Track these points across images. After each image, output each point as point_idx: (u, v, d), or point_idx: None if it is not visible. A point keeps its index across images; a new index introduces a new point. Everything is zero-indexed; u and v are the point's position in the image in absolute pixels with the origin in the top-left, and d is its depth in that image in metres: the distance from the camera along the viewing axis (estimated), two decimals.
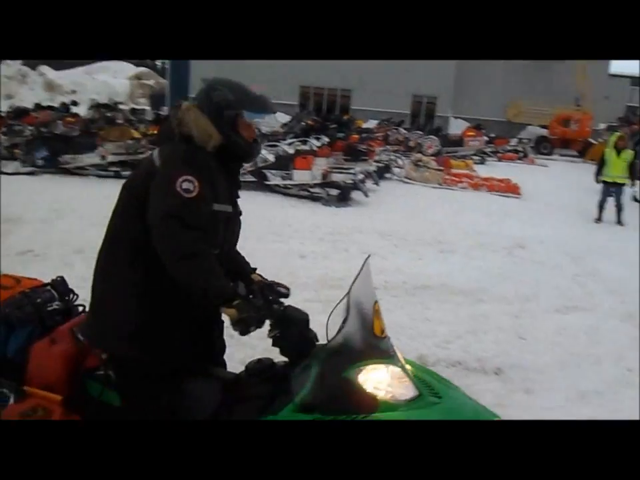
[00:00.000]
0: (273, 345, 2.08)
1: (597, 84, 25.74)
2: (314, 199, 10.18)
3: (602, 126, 24.68)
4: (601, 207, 10.75)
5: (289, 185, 10.59)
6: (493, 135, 22.09)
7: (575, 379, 4.36)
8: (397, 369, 2.00)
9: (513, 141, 22.15)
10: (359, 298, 1.99)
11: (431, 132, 19.67)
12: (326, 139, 11.99)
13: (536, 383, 4.24)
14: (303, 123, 16.21)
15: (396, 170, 13.72)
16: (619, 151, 10.65)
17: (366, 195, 10.30)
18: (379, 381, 1.94)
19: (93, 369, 2.31)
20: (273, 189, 10.75)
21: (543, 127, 24.89)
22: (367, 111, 24.44)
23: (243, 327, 1.94)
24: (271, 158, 10.88)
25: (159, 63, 38.34)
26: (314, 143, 11.53)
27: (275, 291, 2.22)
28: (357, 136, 14.39)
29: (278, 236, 7.68)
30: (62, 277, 2.67)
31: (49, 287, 2.58)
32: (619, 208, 10.65)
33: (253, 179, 10.86)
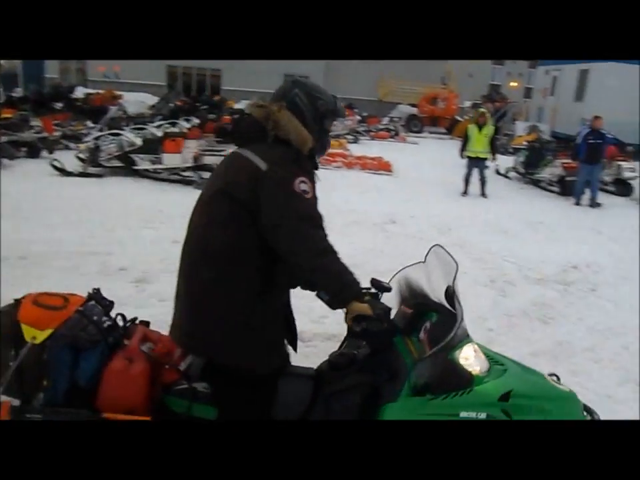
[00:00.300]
0: (355, 336, 2.19)
1: (460, 63, 27.04)
2: (186, 182, 9.86)
3: (467, 104, 26.00)
4: (467, 180, 11.34)
5: (159, 169, 10.15)
6: (365, 114, 22.60)
7: None
8: (476, 346, 2.27)
9: (385, 120, 22.77)
10: (455, 287, 2.18)
11: None
12: (196, 121, 11.68)
13: None
14: (171, 105, 15.67)
15: None
16: (480, 127, 11.24)
17: None
18: (468, 357, 2.21)
19: (169, 385, 2.22)
20: (142, 174, 10.25)
21: (413, 105, 25.75)
22: (238, 91, 24.01)
23: (377, 324, 1.99)
24: (138, 142, 10.40)
25: None
26: (183, 124, 11.18)
27: (377, 285, 2.29)
28: (229, 117, 14.14)
29: (148, 222, 7.36)
30: (98, 289, 2.42)
31: (93, 302, 2.32)
32: (483, 181, 11.29)
33: (120, 164, 10.34)
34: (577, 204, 11.31)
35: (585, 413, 2.43)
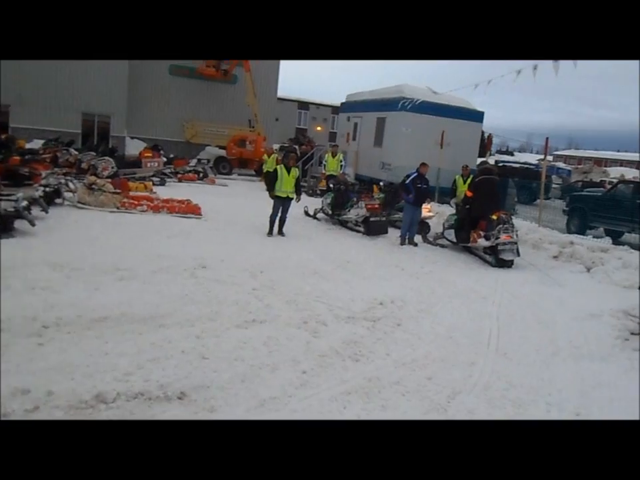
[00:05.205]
0: None
1: (267, 107, 27.78)
2: None
3: (276, 146, 26.69)
4: (272, 221, 11.49)
5: None
6: (172, 156, 22.09)
7: (255, 389, 4.46)
8: None
9: (193, 162, 22.45)
10: None
11: (106, 153, 18.69)
12: None
13: (219, 399, 4.26)
14: None
15: (68, 194, 12.60)
16: (289, 169, 11.55)
17: (32, 224, 9.18)
18: None
19: None
20: None
21: (222, 147, 25.78)
22: (30, 129, 22.00)
23: None
24: None
25: None
26: None
27: None
28: (18, 158, 12.89)
29: None
30: None
31: None
32: (283, 220, 11.59)
33: None
34: (402, 244, 11.87)
35: None
